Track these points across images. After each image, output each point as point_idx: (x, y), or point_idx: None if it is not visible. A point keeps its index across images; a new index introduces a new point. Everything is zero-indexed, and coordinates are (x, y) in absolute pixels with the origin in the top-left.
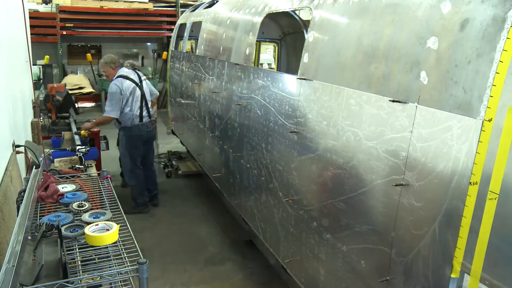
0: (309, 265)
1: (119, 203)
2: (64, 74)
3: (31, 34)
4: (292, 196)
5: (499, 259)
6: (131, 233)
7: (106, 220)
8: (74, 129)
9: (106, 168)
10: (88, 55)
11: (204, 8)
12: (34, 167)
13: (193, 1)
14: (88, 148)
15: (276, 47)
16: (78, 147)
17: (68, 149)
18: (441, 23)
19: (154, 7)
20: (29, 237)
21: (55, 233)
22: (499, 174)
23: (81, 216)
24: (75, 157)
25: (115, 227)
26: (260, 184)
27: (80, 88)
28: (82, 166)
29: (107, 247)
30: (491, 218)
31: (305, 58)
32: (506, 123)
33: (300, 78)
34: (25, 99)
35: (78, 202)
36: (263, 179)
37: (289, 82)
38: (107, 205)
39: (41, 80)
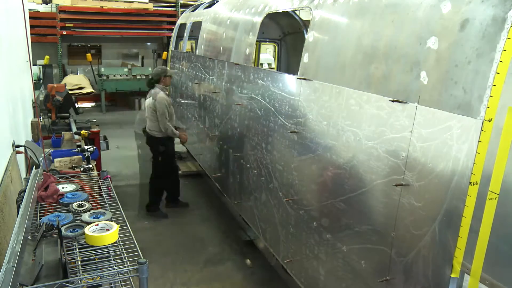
0: (309, 265)
1: (119, 203)
2: (64, 74)
3: (31, 34)
4: (292, 196)
5: (499, 259)
6: (131, 233)
7: (106, 220)
8: (74, 129)
9: (106, 168)
10: (88, 55)
11: (204, 8)
12: (34, 167)
13: (193, 1)
14: (94, 147)
15: (276, 47)
16: (86, 147)
17: (77, 150)
18: (441, 23)
19: (154, 7)
20: (29, 237)
21: (55, 233)
22: (499, 174)
23: (81, 216)
24: (76, 157)
25: (115, 227)
26: (260, 184)
27: (80, 88)
28: (91, 166)
29: (107, 247)
30: (491, 218)
31: (305, 58)
32: (506, 123)
33: (300, 78)
34: (25, 99)
35: (78, 202)
36: (263, 179)
37: (289, 82)
38: (107, 205)
39: (41, 80)
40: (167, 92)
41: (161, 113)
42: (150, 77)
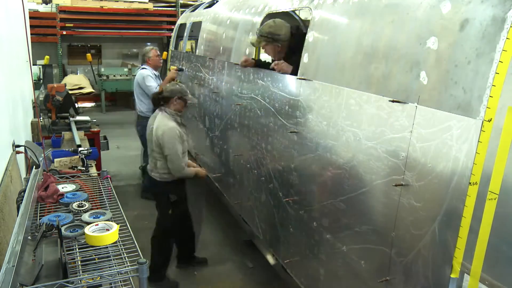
0: (309, 265)
1: (119, 203)
2: (64, 74)
3: (31, 34)
4: (292, 196)
5: (499, 259)
6: (131, 233)
7: (106, 220)
8: (74, 129)
9: (106, 168)
10: (88, 55)
11: (204, 8)
12: (34, 167)
13: (193, 1)
14: (90, 150)
15: None
16: (80, 149)
17: (71, 150)
18: (441, 23)
19: (154, 7)
20: (29, 237)
21: (55, 233)
22: (498, 174)
23: (81, 216)
24: (76, 157)
25: (115, 227)
26: (260, 184)
27: (80, 88)
28: (84, 168)
29: (107, 247)
30: (491, 218)
31: (305, 58)
32: (506, 123)
33: (300, 78)
34: (25, 99)
35: (78, 202)
36: (263, 179)
37: (289, 82)
38: (107, 205)
39: (41, 80)
40: (178, 120)
41: (173, 152)
42: (158, 93)
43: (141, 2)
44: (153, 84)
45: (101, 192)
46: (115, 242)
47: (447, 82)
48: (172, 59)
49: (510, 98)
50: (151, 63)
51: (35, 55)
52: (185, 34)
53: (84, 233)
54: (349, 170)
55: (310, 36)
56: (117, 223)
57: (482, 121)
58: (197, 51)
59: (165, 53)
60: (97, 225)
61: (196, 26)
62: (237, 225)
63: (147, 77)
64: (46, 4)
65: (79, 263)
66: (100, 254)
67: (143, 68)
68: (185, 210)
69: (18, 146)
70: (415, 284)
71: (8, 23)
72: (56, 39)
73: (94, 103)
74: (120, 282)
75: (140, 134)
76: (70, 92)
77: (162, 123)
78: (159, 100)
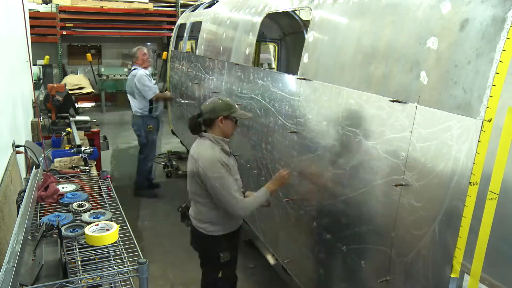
0: (308, 265)
1: (119, 203)
2: (64, 74)
3: (31, 34)
4: (292, 196)
5: (499, 259)
6: (131, 233)
7: (106, 220)
8: (75, 129)
9: (106, 168)
10: (88, 55)
11: (204, 8)
12: (34, 167)
13: (193, 1)
14: (92, 149)
15: (276, 47)
16: (83, 148)
17: (73, 150)
18: (441, 23)
19: (154, 7)
20: (29, 237)
21: (55, 233)
22: (499, 174)
23: (81, 216)
24: (76, 157)
25: (115, 227)
26: (260, 184)
27: (80, 88)
28: (87, 167)
29: (107, 247)
30: (491, 218)
31: (305, 58)
32: (506, 123)
33: (300, 78)
34: (25, 99)
35: (78, 202)
36: (263, 179)
37: (289, 82)
38: (107, 205)
39: (41, 80)
40: (227, 148)
41: (222, 190)
42: (197, 115)
43: (141, 2)
44: (150, 84)
45: (101, 192)
46: (115, 242)
47: (447, 82)
48: (172, 59)
49: (510, 98)
50: (139, 62)
51: (35, 55)
52: (185, 34)
53: (84, 233)
54: (349, 170)
55: (310, 36)
56: (117, 223)
57: (482, 121)
58: (197, 51)
59: (165, 53)
60: (97, 225)
61: (196, 26)
62: None
63: (142, 77)
64: (46, 4)
65: (79, 263)
66: (100, 254)
67: (134, 69)
68: (234, 271)
69: (18, 146)
70: (415, 284)
71: (8, 23)
72: (56, 39)
73: (94, 103)
74: (120, 282)
75: (137, 134)
76: (70, 92)
77: (202, 153)
78: (199, 125)
